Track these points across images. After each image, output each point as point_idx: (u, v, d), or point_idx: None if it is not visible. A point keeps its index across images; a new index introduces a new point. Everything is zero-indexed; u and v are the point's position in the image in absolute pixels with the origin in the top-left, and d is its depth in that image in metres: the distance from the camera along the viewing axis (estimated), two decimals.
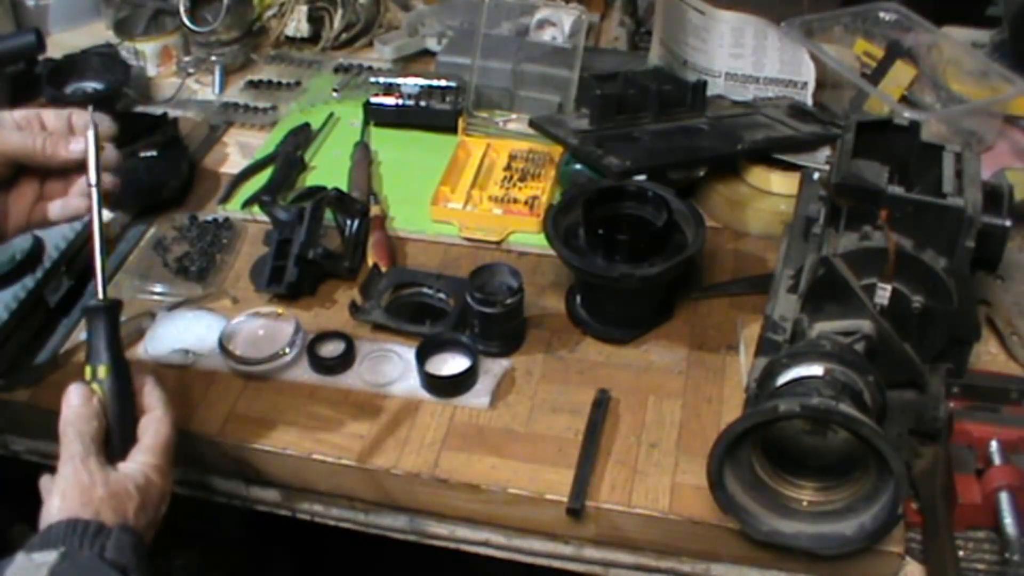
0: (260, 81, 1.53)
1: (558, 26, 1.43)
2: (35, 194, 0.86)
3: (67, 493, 0.73)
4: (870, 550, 0.84)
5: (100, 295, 0.81)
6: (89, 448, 0.75)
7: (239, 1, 1.52)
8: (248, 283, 1.14)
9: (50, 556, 0.68)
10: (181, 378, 1.03)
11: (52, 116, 0.84)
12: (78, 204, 0.84)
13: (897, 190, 0.89)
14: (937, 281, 0.88)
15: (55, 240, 1.12)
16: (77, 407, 0.77)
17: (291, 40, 1.63)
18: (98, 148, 0.82)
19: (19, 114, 0.83)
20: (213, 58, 1.53)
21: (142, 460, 0.78)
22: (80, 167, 0.82)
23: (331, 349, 1.03)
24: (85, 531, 0.71)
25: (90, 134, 0.82)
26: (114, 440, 0.79)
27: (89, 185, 0.82)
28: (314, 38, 1.62)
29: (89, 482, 0.73)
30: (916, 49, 1.36)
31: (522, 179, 1.28)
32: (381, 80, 1.43)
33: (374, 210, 1.21)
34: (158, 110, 1.38)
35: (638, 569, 0.94)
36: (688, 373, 1.02)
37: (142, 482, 0.76)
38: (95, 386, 0.79)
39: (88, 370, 0.80)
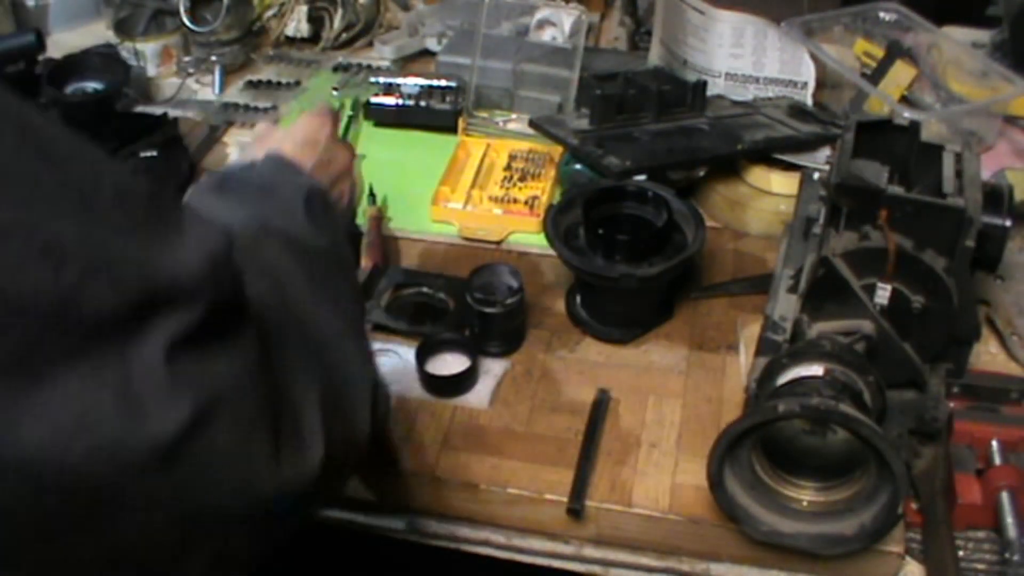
0: (260, 81, 1.53)
1: (558, 26, 1.43)
2: None
3: None
4: (870, 550, 0.84)
5: None
6: None
7: (239, 1, 1.52)
8: None
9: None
10: None
11: None
12: None
13: (897, 190, 0.89)
14: (937, 281, 0.88)
15: None
16: None
17: (291, 40, 1.63)
18: None
19: None
20: (213, 58, 1.53)
21: None
22: None
23: None
24: None
25: None
26: None
27: None
28: (314, 38, 1.62)
29: None
30: (916, 49, 1.36)
31: (522, 179, 1.28)
32: (381, 80, 1.43)
33: (371, 211, 1.20)
34: (158, 110, 1.38)
35: (638, 569, 0.94)
36: (688, 373, 1.02)
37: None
38: None
39: None
